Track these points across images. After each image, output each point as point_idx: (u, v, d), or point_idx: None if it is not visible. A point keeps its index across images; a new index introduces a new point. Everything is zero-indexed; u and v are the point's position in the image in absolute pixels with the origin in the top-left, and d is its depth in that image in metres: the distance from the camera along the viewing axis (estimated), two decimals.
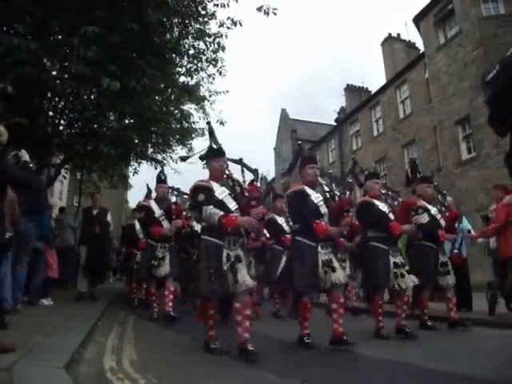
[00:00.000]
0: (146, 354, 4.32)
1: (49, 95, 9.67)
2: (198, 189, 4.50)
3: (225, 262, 4.20)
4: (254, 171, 6.02)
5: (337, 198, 5.25)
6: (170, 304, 6.42)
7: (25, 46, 6.83)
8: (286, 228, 7.49)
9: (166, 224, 6.76)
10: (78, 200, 17.26)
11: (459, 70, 16.64)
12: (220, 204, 4.39)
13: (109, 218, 9.48)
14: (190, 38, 10.14)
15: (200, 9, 9.69)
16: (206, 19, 9.95)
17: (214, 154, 4.73)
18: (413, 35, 23.82)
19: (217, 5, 9.68)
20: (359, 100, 27.55)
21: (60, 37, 8.38)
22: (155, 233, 6.70)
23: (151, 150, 12.49)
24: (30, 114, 8.32)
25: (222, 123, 11.97)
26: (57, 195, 26.91)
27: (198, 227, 7.04)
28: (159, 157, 12.75)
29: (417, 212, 5.86)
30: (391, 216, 5.59)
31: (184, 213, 7.64)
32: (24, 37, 7.51)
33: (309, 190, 4.87)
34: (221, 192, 4.52)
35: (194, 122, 12.41)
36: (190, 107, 12.23)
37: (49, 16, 7.59)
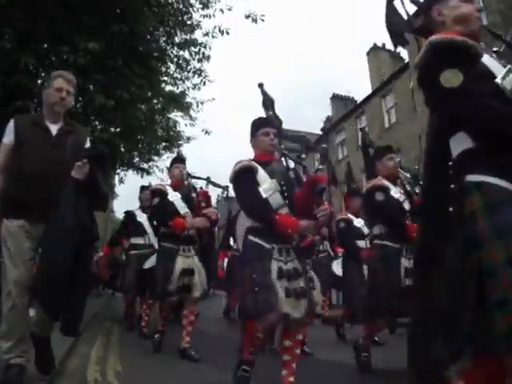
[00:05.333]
0: (131, 365, 4.30)
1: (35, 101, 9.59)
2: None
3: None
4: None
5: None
6: (187, 339, 4.66)
7: (23, 59, 6.82)
8: None
9: (188, 216, 4.82)
10: None
11: None
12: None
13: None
14: (175, 47, 10.16)
15: (186, 19, 9.73)
16: (191, 29, 10.00)
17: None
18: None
19: (203, 15, 9.74)
20: (345, 109, 27.74)
21: (46, 45, 8.34)
22: (177, 227, 4.69)
23: (137, 158, 12.44)
24: None
25: (207, 132, 12.05)
26: None
27: None
28: (145, 166, 12.71)
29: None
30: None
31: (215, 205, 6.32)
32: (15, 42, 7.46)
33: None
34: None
35: (179, 132, 12.43)
36: (176, 115, 12.25)
37: (34, 23, 7.54)
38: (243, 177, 3.25)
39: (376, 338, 5.66)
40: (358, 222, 5.98)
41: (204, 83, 10.90)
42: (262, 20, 9.33)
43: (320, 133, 29.29)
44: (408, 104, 19.87)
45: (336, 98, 30.10)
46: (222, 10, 9.50)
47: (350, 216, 6.04)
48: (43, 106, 3.35)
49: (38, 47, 7.81)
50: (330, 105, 30.41)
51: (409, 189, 4.33)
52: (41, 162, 3.03)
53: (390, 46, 26.29)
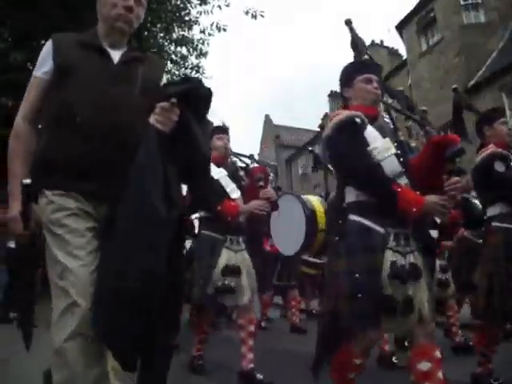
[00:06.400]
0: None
1: None
2: None
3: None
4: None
5: None
6: (250, 356, 3.56)
7: (13, 56, 6.83)
8: None
9: (239, 199, 3.81)
10: None
11: (441, 76, 16.83)
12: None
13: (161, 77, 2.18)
14: (173, 43, 10.17)
15: (183, 15, 9.73)
16: (189, 25, 10.00)
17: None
18: (396, 42, 24.13)
19: (200, 12, 9.74)
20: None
21: (43, 42, 8.34)
22: (228, 212, 3.57)
23: None
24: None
25: None
26: None
27: None
28: None
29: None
30: None
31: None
32: (12, 42, 7.46)
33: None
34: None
35: None
36: None
37: (34, 22, 7.54)
38: (347, 132, 2.34)
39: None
40: None
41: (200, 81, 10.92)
42: (262, 16, 9.37)
43: (318, 130, 29.29)
44: None
45: (334, 96, 30.07)
46: (219, 7, 9.51)
47: None
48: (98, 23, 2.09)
49: (33, 44, 7.81)
50: (328, 102, 30.42)
51: None
52: (96, 103, 1.84)
53: (388, 42, 26.34)
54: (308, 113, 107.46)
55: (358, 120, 2.34)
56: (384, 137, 2.38)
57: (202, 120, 1.93)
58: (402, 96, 3.22)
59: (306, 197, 5.60)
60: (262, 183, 3.60)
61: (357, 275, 2.10)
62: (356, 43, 2.92)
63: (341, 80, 2.66)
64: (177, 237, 1.79)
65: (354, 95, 2.54)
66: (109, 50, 1.99)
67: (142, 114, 1.81)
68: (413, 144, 2.80)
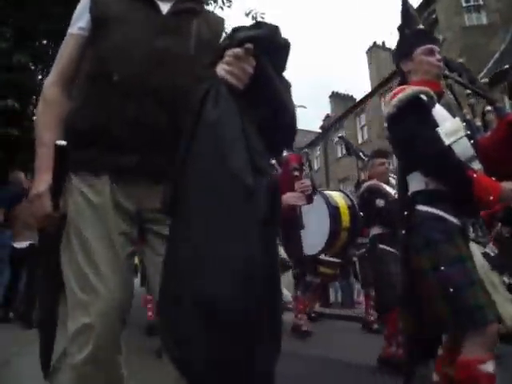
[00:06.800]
0: (133, 363, 4.24)
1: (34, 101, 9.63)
2: None
3: None
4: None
5: None
6: None
7: (17, 58, 6.84)
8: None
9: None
10: None
11: None
12: None
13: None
14: None
15: None
16: None
17: None
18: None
19: None
20: (344, 107, 27.72)
21: (45, 42, 8.35)
22: None
23: None
24: (17, 120, 8.28)
25: None
26: None
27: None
28: None
29: None
30: None
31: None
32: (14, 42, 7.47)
33: None
34: None
35: None
36: None
37: (34, 21, 7.55)
38: (413, 111, 2.07)
39: None
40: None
41: None
42: (263, 18, 9.40)
43: (319, 131, 29.31)
44: None
45: (335, 97, 30.10)
46: (221, 8, 9.54)
47: None
48: None
49: (35, 45, 7.81)
50: (330, 103, 30.44)
51: None
52: (138, 59, 1.49)
53: (389, 44, 26.33)
54: (309, 114, 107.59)
55: (424, 97, 2.09)
56: (453, 116, 2.15)
57: (280, 76, 1.45)
58: (463, 69, 2.87)
59: (328, 192, 5.39)
60: (297, 173, 3.43)
61: (442, 268, 1.88)
62: (409, 11, 2.59)
63: (398, 52, 2.43)
64: (270, 216, 1.23)
65: (413, 69, 2.27)
66: (158, 1, 1.60)
67: (196, 72, 1.45)
68: (478, 123, 2.54)
